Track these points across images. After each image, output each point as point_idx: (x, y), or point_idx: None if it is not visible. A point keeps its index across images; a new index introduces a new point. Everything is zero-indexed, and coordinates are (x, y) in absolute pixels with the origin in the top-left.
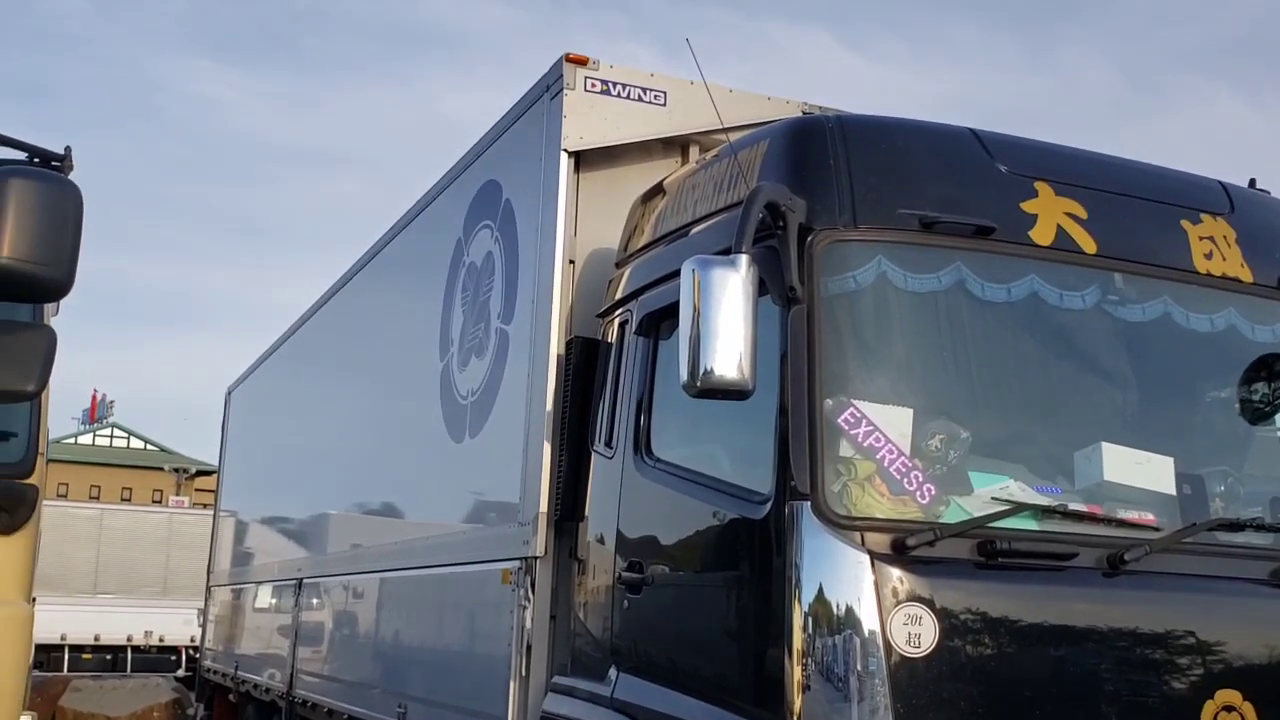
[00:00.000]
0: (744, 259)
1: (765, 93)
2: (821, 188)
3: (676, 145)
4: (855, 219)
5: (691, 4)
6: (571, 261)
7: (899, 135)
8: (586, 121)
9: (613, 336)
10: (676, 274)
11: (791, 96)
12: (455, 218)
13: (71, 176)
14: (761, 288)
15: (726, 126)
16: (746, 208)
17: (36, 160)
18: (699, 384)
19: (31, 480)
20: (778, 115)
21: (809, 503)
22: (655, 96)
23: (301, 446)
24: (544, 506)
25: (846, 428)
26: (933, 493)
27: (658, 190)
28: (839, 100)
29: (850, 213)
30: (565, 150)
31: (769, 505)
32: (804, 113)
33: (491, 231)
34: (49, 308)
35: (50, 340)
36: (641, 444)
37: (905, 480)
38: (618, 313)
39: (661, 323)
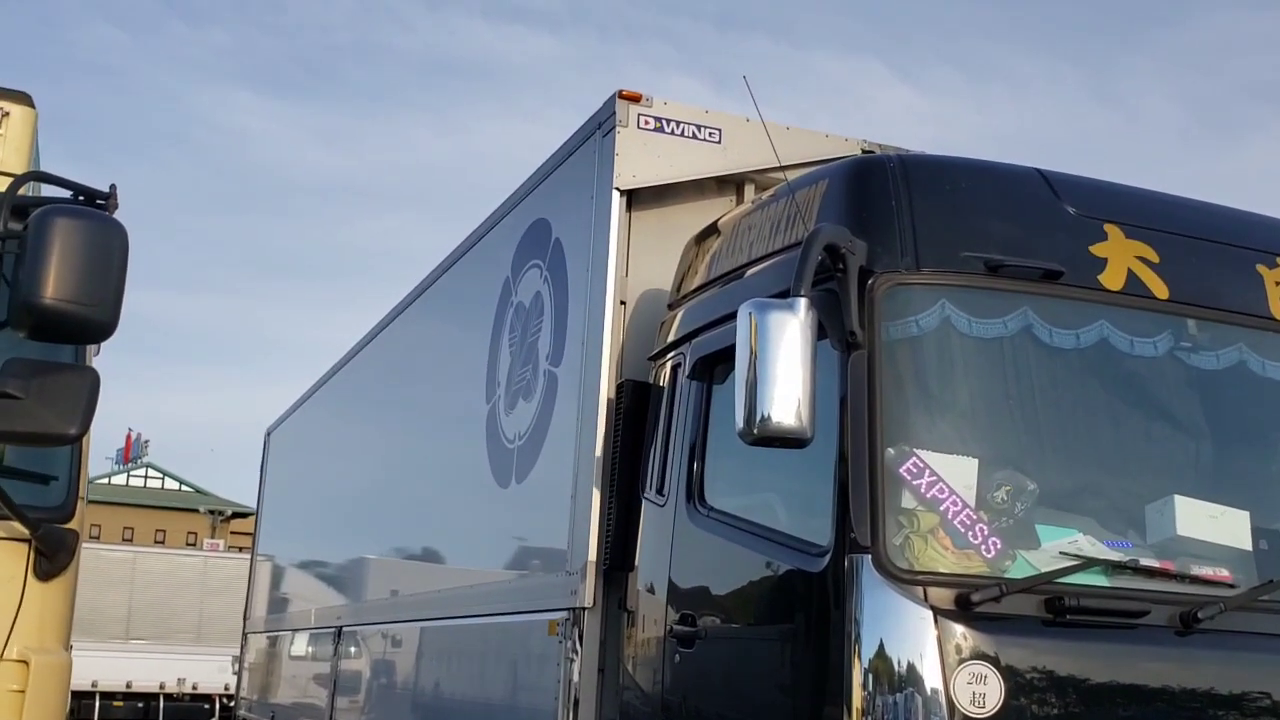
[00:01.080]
0: (803, 302)
1: (822, 129)
2: (883, 229)
3: (731, 184)
4: (918, 262)
5: (739, 35)
6: (623, 302)
7: (963, 175)
8: (639, 159)
9: (665, 380)
10: (732, 316)
11: (849, 134)
12: (503, 256)
13: (116, 215)
14: (820, 332)
15: (784, 165)
16: (805, 249)
17: (81, 199)
18: (755, 431)
19: (72, 525)
20: (836, 153)
21: (869, 556)
22: (710, 134)
23: (342, 489)
24: (593, 555)
25: (909, 478)
26: (998, 546)
27: (712, 230)
28: (894, 134)
29: (913, 255)
30: (617, 189)
31: (828, 558)
32: (863, 151)
33: (541, 271)
34: (91, 348)
35: (94, 382)
36: (695, 492)
37: (970, 533)
38: (670, 356)
39: (716, 367)
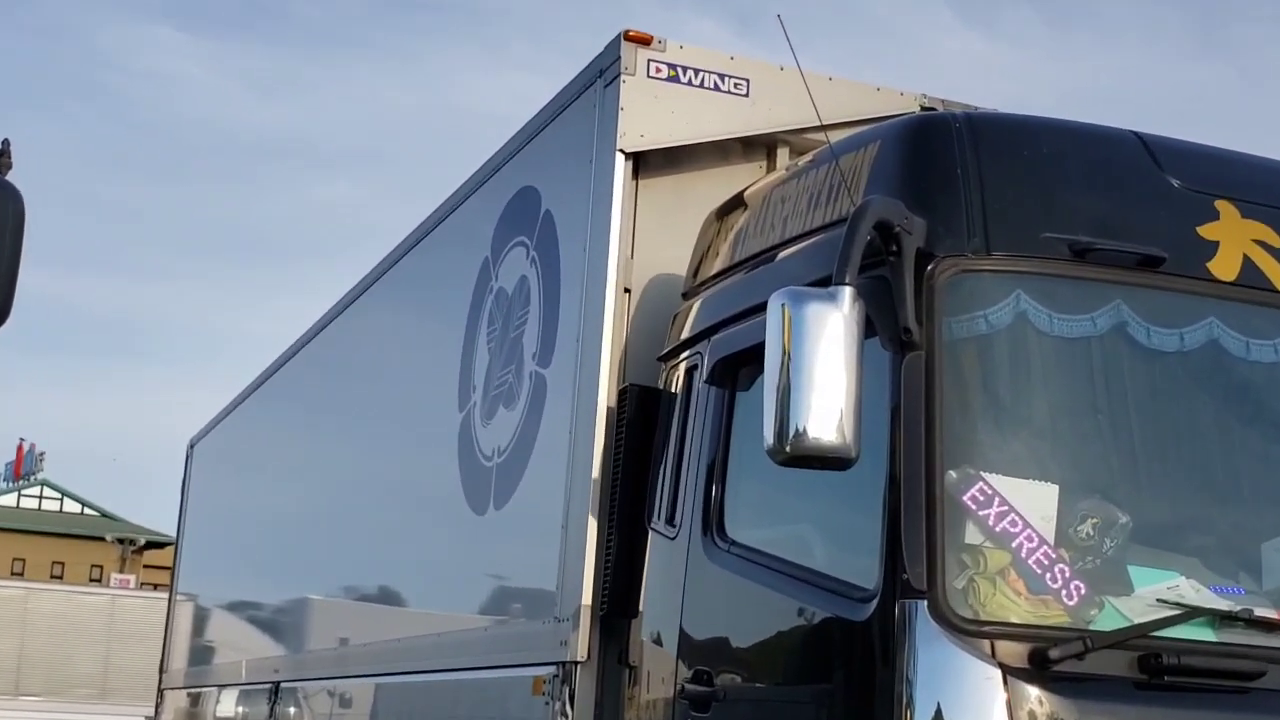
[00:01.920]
0: (847, 292)
1: (872, 82)
2: (946, 204)
3: (760, 146)
4: (988, 244)
5: None
6: (627, 290)
7: (1044, 139)
8: (649, 115)
9: (677, 385)
10: (760, 309)
11: (904, 87)
12: (482, 232)
13: (9, 177)
14: (868, 328)
15: (826, 124)
16: (851, 227)
17: None
18: (788, 449)
19: None
20: (889, 111)
21: (925, 602)
22: (735, 85)
23: (281, 515)
24: (587, 598)
25: (974, 507)
26: (1082, 591)
27: (737, 203)
28: (959, 89)
29: (982, 236)
30: (622, 151)
31: (874, 603)
32: (922, 108)
33: (527, 250)
34: None
35: None
36: (713, 522)
37: (1048, 575)
38: (684, 356)
39: (740, 370)
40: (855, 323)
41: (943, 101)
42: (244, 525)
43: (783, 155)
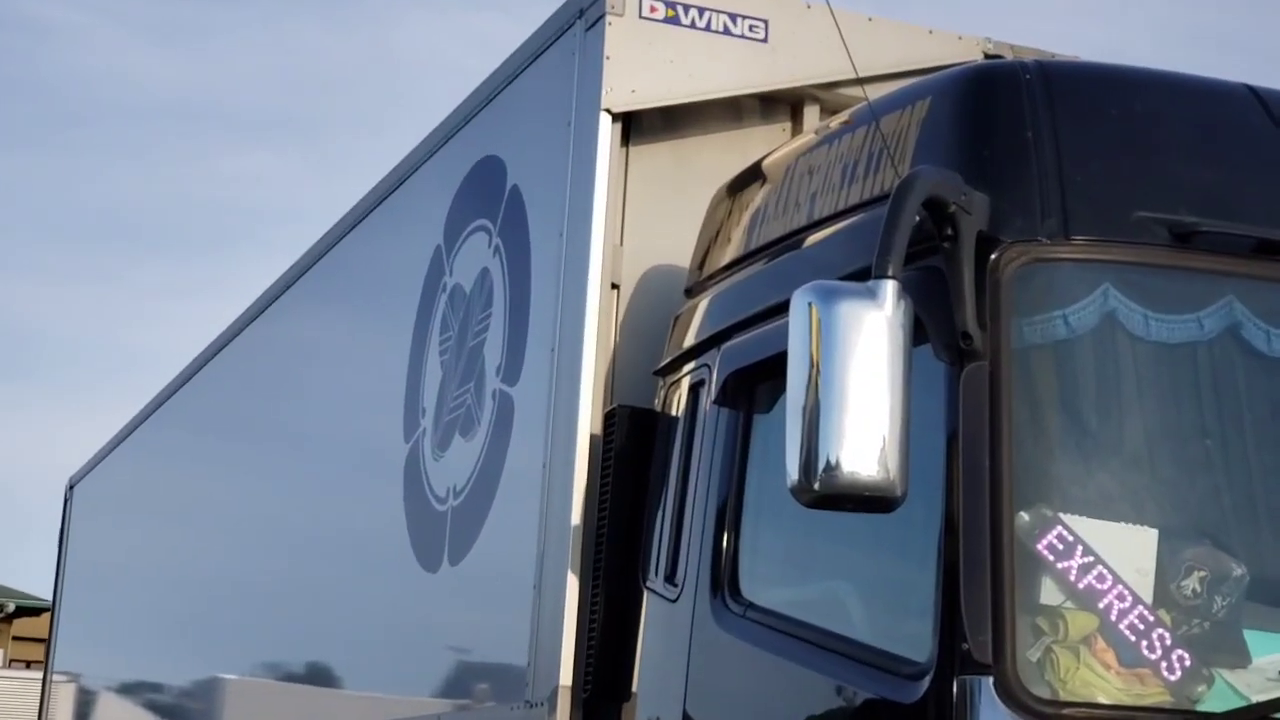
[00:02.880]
0: (889, 287)
1: (924, 23)
2: (1014, 175)
3: (783, 104)
4: (1067, 226)
5: None
6: (615, 286)
7: (1136, 94)
8: (642, 66)
9: (679, 406)
10: (783, 309)
11: (963, 29)
12: (432, 215)
13: None
14: (916, 332)
15: (864, 76)
16: (895, 206)
17: None
18: (816, 486)
19: None
20: (944, 60)
21: (991, 678)
22: (751, 27)
23: (185, 573)
24: (567, 677)
25: (1051, 558)
26: (1187, 663)
27: (755, 176)
28: (1035, 35)
29: (1059, 215)
30: (607, 111)
31: (928, 681)
32: (985, 56)
33: (489, 236)
34: None
35: None
36: (724, 580)
37: (1144, 643)
38: (688, 369)
39: (759, 385)
40: (901, 326)
41: (1011, 48)
42: (138, 586)
43: (811, 115)
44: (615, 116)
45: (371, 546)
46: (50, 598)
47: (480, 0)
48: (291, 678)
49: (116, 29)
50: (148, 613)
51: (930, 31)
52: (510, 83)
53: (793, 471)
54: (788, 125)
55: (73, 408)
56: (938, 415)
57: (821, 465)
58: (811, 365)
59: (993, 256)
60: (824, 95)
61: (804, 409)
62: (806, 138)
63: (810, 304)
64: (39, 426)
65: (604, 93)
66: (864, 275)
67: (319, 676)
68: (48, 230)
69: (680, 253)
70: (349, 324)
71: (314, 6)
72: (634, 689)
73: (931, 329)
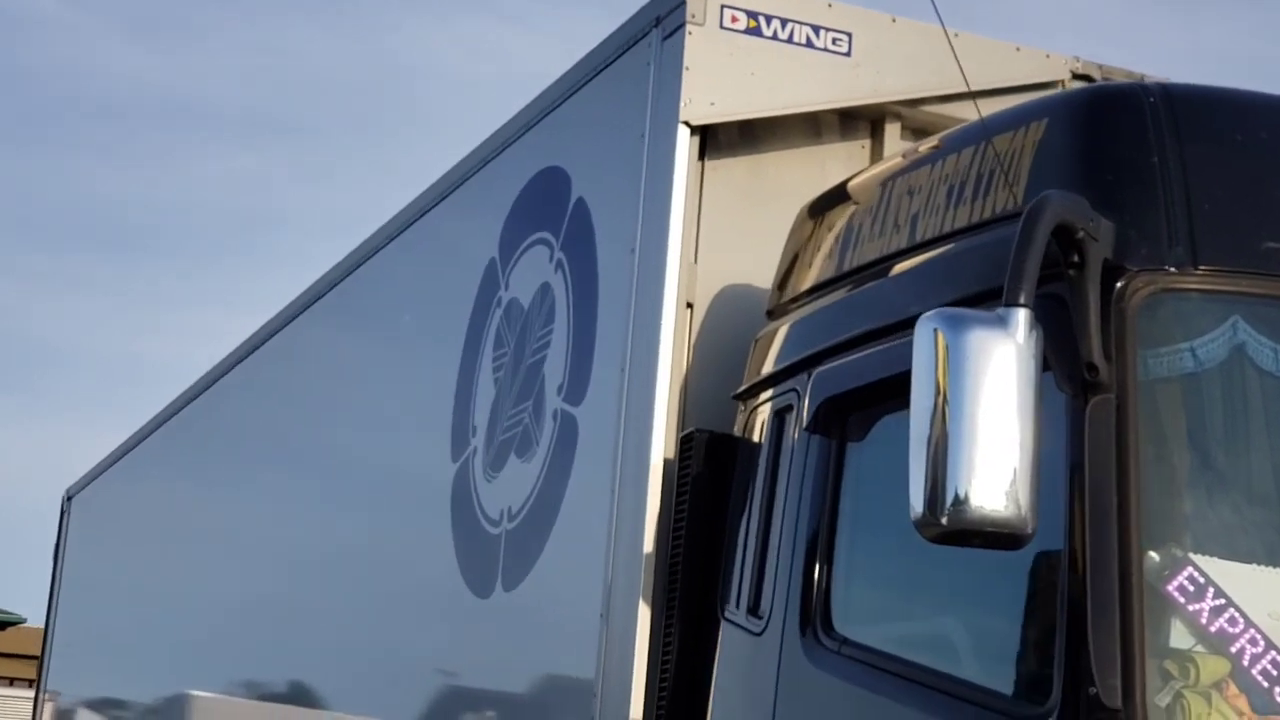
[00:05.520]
0: (1022, 316)
1: (1009, 40)
2: (1140, 201)
3: (863, 121)
4: (1195, 255)
5: None
6: (689, 305)
7: (1262, 119)
8: (722, 78)
9: (763, 432)
10: (883, 335)
11: (1052, 47)
12: (484, 227)
13: None
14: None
15: (952, 94)
16: (1025, 231)
17: None
18: (944, 520)
19: None
20: (1032, 78)
21: None
22: (835, 40)
23: (197, 595)
24: (638, 710)
25: (1182, 600)
26: None
27: (840, 196)
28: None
29: (1187, 244)
30: (686, 124)
31: None
32: (1074, 75)
33: (551, 250)
34: None
35: None
36: (816, 614)
37: (1278, 689)
38: (772, 393)
39: (853, 413)
40: (1033, 356)
41: (1100, 68)
42: (139, 606)
43: (891, 132)
44: (694, 129)
45: (414, 571)
46: (43, 614)
47: (479, 5)
48: (314, 703)
49: (93, 16)
50: (154, 636)
51: (1018, 49)
52: (575, 92)
53: (917, 505)
54: (867, 142)
55: (73, 419)
56: (1060, 448)
57: (950, 499)
58: (938, 394)
59: (1118, 285)
60: (906, 112)
61: (929, 440)
62: (895, 160)
63: (936, 330)
64: (33, 438)
65: (682, 105)
66: (978, 300)
67: (351, 703)
68: (24, 237)
69: (756, 272)
70: (386, 338)
71: (305, 6)
72: None
73: (1054, 359)
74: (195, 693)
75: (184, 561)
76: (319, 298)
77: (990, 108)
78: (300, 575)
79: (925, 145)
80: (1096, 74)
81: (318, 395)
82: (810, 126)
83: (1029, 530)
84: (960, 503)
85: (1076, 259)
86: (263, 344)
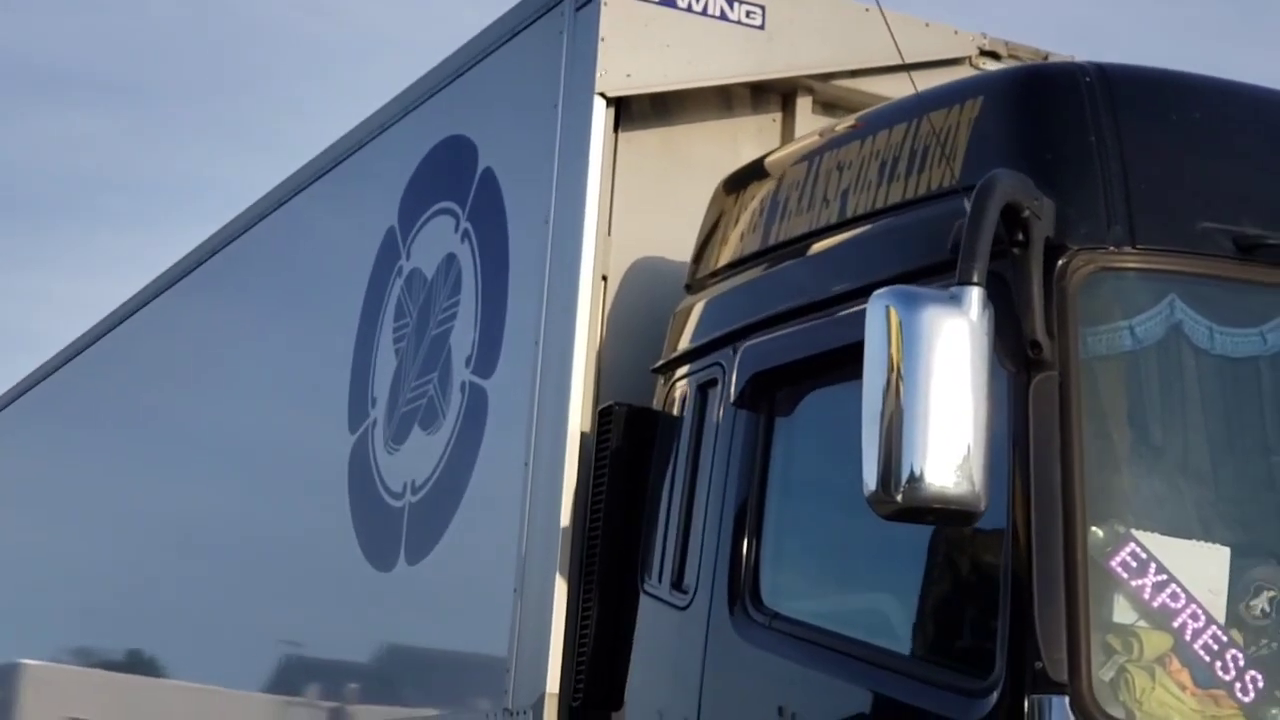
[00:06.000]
0: (975, 295)
1: (917, 14)
2: (1079, 180)
3: (773, 94)
4: (1133, 234)
5: None
6: (604, 278)
7: (1198, 100)
8: (637, 49)
9: (683, 406)
10: (813, 309)
11: (959, 23)
12: (382, 195)
13: None
14: None
15: (866, 68)
16: (977, 209)
17: None
18: (899, 498)
19: None
20: (941, 54)
21: (1065, 698)
22: (749, 13)
23: (76, 572)
24: (554, 683)
25: (1125, 576)
26: (1259, 685)
27: (762, 170)
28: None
29: (1125, 223)
30: (602, 95)
31: (993, 699)
32: (980, 51)
33: (456, 220)
34: None
35: None
36: (745, 588)
37: (1218, 664)
38: (693, 367)
39: (783, 388)
40: (986, 333)
41: (1006, 44)
42: (24, 584)
43: (804, 107)
44: (609, 101)
45: (305, 544)
46: None
47: None
48: (175, 674)
49: None
50: (35, 620)
51: (927, 24)
52: (481, 60)
53: (871, 482)
54: (778, 116)
55: None
56: (1004, 425)
57: (904, 477)
58: (891, 371)
59: (1059, 263)
60: (818, 86)
61: (882, 417)
62: (818, 135)
63: (889, 307)
64: None
65: (598, 76)
66: (917, 276)
67: (248, 679)
68: None
69: (669, 244)
70: (274, 307)
71: None
72: (626, 697)
73: (997, 337)
74: (29, 661)
75: (64, 538)
76: (200, 263)
77: (899, 84)
78: (167, 545)
79: (845, 122)
80: (1003, 50)
81: (198, 366)
82: (722, 99)
83: (982, 507)
84: (915, 480)
85: (1021, 237)
86: (137, 311)
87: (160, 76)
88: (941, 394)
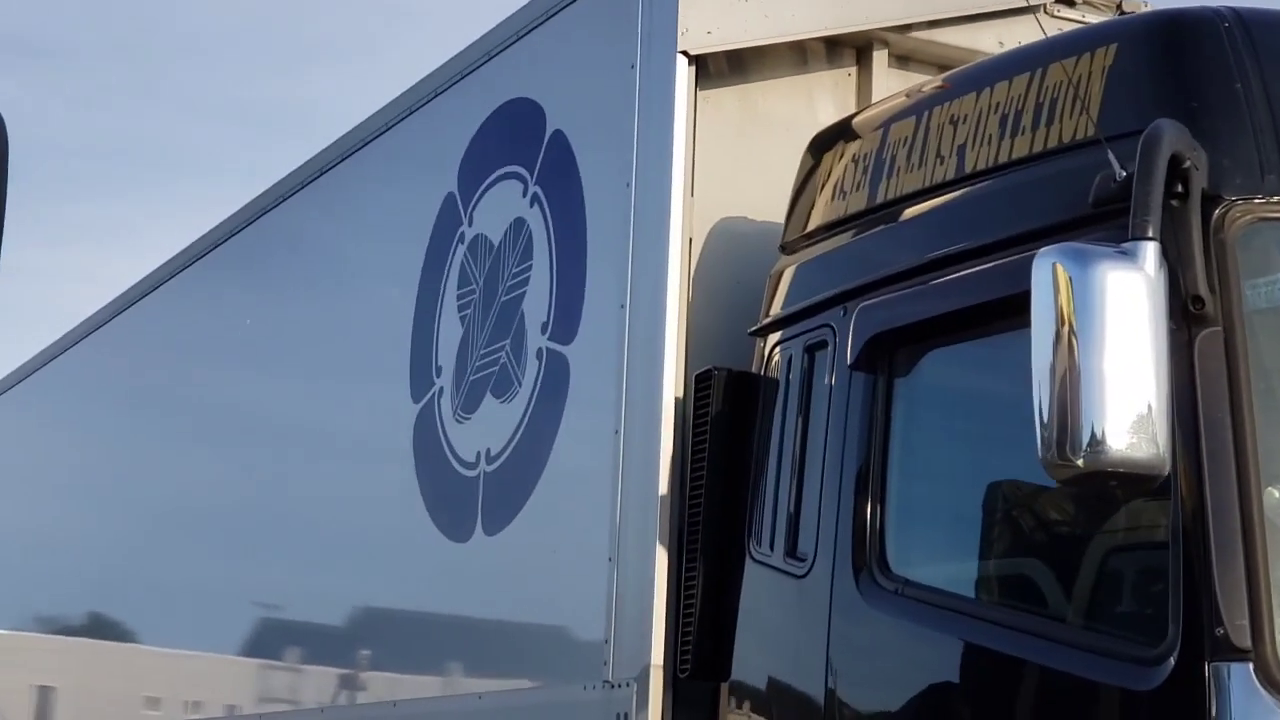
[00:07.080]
0: (1150, 249)
1: None
2: (1229, 129)
3: (847, 49)
4: None
5: None
6: (690, 240)
7: None
8: (718, 6)
9: (788, 369)
10: (937, 267)
11: None
12: (439, 160)
13: None
14: None
15: (943, 19)
16: (1145, 163)
17: None
18: (1080, 462)
19: None
20: (1022, 1)
21: (1250, 664)
22: None
23: (117, 545)
24: (659, 655)
25: None
26: None
27: (855, 129)
28: None
29: (1278, 172)
30: (684, 53)
31: (1169, 667)
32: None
33: (524, 185)
34: None
35: None
36: (872, 555)
37: None
38: (798, 329)
39: (903, 347)
40: (1162, 292)
41: None
42: (58, 557)
43: (880, 60)
44: (691, 59)
45: (373, 518)
46: None
47: None
48: (281, 656)
49: None
50: (67, 600)
51: None
52: (543, 21)
53: (1047, 445)
54: (853, 70)
55: None
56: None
57: (1086, 440)
58: (1064, 331)
59: (1214, 215)
60: (894, 38)
61: (1055, 379)
62: (913, 92)
63: (1055, 265)
64: None
65: (680, 34)
66: (1058, 231)
67: (316, 653)
68: None
69: (749, 205)
70: (320, 278)
71: None
72: (733, 670)
73: None
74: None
75: (107, 508)
76: (234, 234)
77: (975, 34)
78: (251, 525)
79: (954, 74)
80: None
81: (231, 339)
82: (797, 54)
83: (1165, 471)
84: (1097, 443)
85: (1181, 189)
86: (164, 283)
87: (89, 40)
88: (1121, 353)
